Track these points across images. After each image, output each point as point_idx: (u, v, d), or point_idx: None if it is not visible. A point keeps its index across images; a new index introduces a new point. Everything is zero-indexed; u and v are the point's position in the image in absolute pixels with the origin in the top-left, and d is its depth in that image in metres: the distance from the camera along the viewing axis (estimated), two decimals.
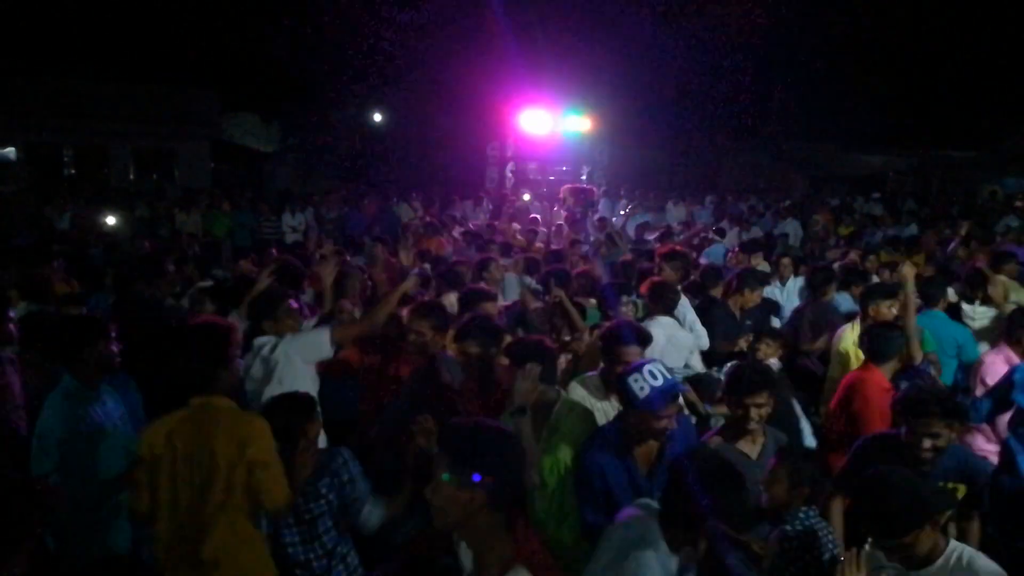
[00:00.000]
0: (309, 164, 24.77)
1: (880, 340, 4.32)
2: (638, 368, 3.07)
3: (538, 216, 13.28)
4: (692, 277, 6.55)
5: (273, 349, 4.02)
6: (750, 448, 3.39)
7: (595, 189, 17.34)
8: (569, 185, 16.49)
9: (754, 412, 3.31)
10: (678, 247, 7.27)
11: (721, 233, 12.18)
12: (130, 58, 22.35)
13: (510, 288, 6.92)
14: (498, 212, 15.00)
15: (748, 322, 5.74)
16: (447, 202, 17.24)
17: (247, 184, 20.24)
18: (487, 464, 2.00)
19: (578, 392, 3.87)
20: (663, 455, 3.14)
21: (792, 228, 14.03)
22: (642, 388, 3.00)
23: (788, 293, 7.40)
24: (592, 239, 10.62)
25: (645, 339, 3.92)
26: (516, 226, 12.14)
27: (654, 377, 3.02)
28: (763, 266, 8.25)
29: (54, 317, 4.73)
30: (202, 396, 2.88)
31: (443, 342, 4.09)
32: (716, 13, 23.11)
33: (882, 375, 4.25)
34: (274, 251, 8.70)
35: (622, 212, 16.31)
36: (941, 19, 24.89)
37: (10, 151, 20.58)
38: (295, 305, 4.35)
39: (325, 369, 4.29)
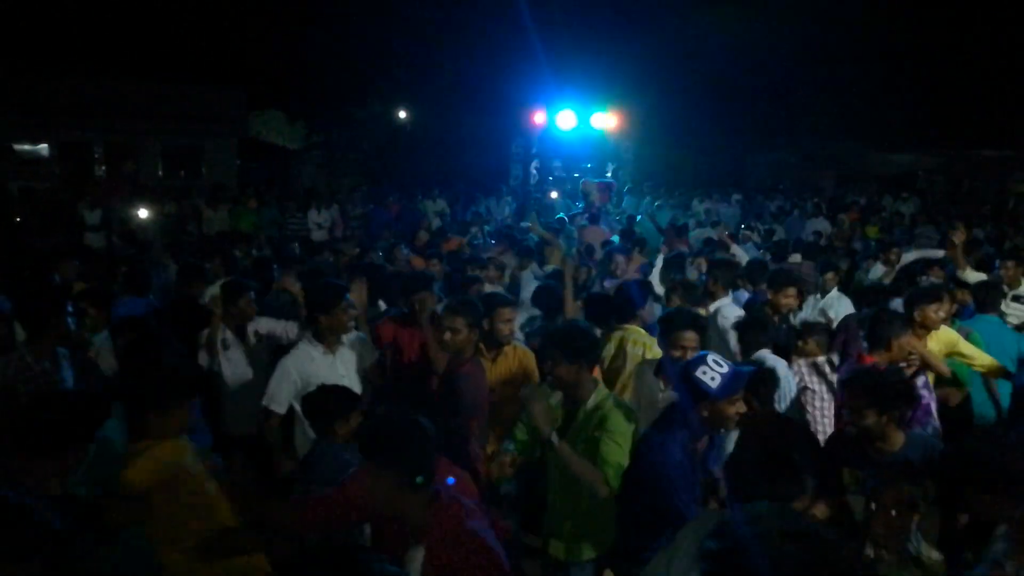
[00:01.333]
0: (334, 161, 24.92)
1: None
2: (701, 360, 3.10)
3: (565, 216, 13.25)
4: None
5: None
6: None
7: (614, 184, 17.30)
8: (586, 180, 16.46)
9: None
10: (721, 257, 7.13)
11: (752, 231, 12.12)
12: (159, 57, 22.59)
13: (526, 286, 6.91)
14: (523, 209, 15.01)
15: (783, 326, 5.63)
16: (471, 199, 17.28)
17: (273, 181, 20.40)
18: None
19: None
20: (712, 443, 3.23)
21: (821, 228, 13.90)
22: (712, 378, 3.03)
23: (831, 305, 6.82)
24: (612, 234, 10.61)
25: (701, 326, 4.06)
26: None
27: (719, 365, 3.07)
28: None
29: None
30: None
31: (476, 339, 4.14)
32: (743, 10, 22.90)
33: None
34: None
35: (645, 210, 16.24)
36: (971, 15, 24.47)
37: (43, 148, 20.90)
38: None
39: None
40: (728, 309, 5.67)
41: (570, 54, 19.60)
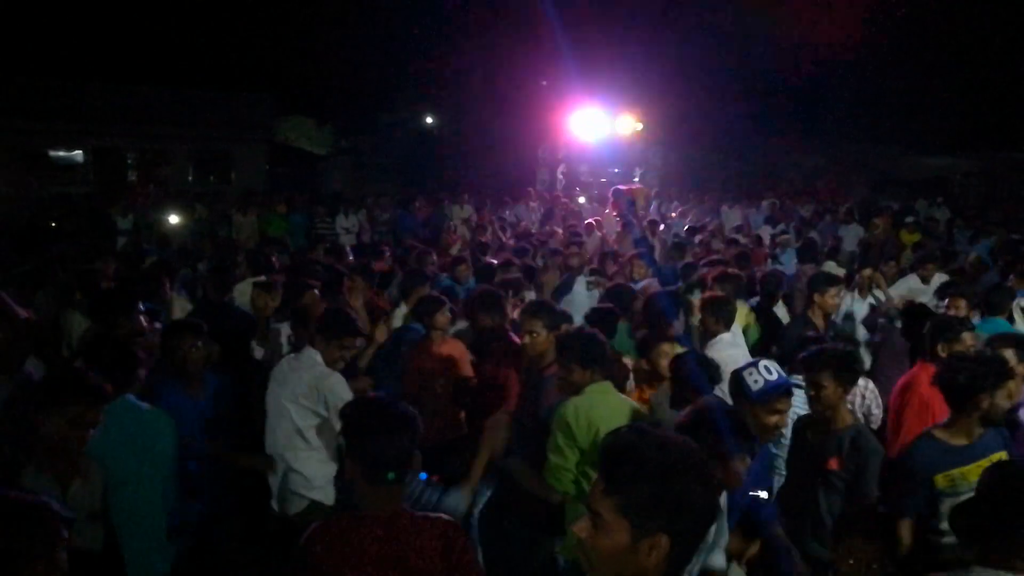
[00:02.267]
0: (361, 166, 25.06)
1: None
2: (753, 363, 3.20)
3: (591, 220, 13.14)
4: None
5: None
6: None
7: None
8: (618, 187, 16.30)
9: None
10: (730, 270, 6.90)
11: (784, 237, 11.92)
12: (189, 65, 22.90)
13: (579, 301, 6.84)
14: (550, 214, 14.95)
15: (831, 333, 5.53)
16: (498, 204, 17.25)
17: (302, 186, 20.56)
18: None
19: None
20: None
21: (854, 233, 13.66)
22: (756, 381, 3.11)
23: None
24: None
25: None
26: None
27: (769, 372, 3.12)
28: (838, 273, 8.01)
29: None
30: None
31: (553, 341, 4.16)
32: (773, 13, 22.65)
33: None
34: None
35: (673, 214, 16.11)
36: (1007, 14, 23.97)
37: (77, 154, 21.28)
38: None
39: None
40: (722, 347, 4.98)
41: (598, 58, 19.50)
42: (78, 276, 6.38)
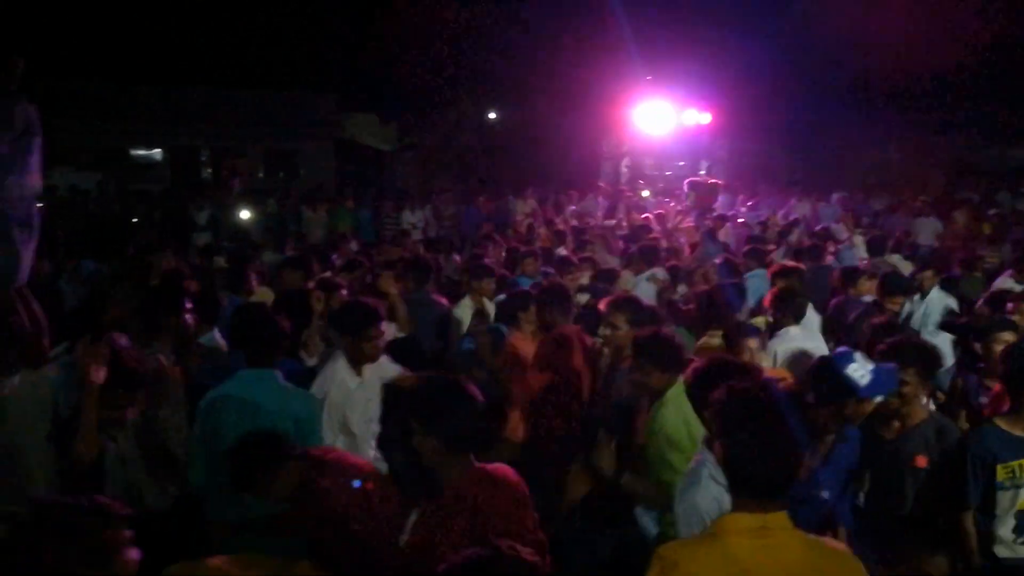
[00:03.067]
0: (426, 162, 25.33)
1: None
2: (847, 357, 3.07)
3: (650, 214, 13.00)
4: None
5: None
6: None
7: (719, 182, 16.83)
8: (692, 178, 16.05)
9: None
10: (788, 263, 6.68)
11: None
12: (259, 66, 23.56)
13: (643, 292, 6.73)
14: (613, 208, 14.85)
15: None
16: (561, 198, 17.22)
17: (368, 182, 20.93)
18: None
19: None
20: (835, 446, 3.17)
21: (931, 227, 13.16)
22: (862, 376, 2.99)
23: (930, 306, 6.38)
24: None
25: None
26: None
27: (867, 363, 3.04)
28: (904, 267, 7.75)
29: None
30: None
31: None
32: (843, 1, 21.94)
33: None
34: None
35: (743, 208, 15.80)
36: None
37: (156, 153, 22.18)
38: None
39: None
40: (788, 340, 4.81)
41: (663, 49, 19.24)
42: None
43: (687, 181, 15.46)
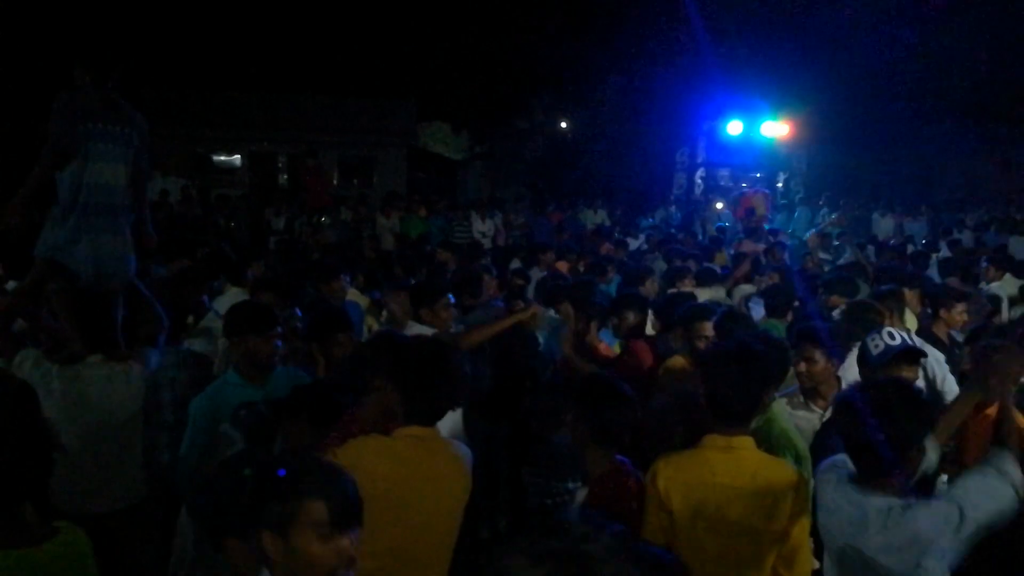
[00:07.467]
0: (497, 171, 25.41)
1: None
2: (877, 329, 3.33)
3: (726, 225, 12.69)
4: None
5: None
6: None
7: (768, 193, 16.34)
8: (752, 192, 15.63)
9: None
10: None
11: (932, 248, 11.04)
12: (336, 74, 24.06)
13: None
14: (689, 219, 14.57)
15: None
16: (632, 209, 17.00)
17: (439, 190, 21.08)
18: None
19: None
20: None
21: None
22: (877, 346, 3.20)
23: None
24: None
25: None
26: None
27: (892, 338, 3.20)
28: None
29: None
30: None
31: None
32: (927, 9, 21.02)
33: None
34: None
35: (820, 223, 15.29)
36: None
37: (236, 158, 22.87)
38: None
39: None
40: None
41: (740, 58, 18.80)
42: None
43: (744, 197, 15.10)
